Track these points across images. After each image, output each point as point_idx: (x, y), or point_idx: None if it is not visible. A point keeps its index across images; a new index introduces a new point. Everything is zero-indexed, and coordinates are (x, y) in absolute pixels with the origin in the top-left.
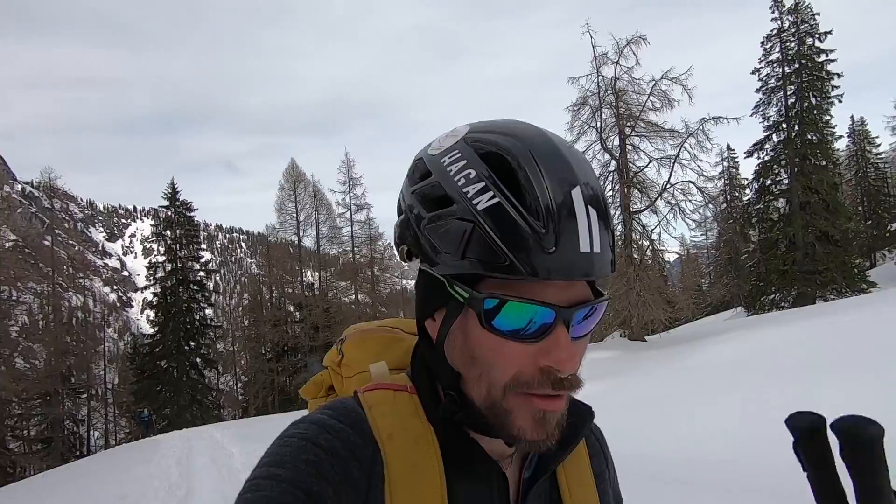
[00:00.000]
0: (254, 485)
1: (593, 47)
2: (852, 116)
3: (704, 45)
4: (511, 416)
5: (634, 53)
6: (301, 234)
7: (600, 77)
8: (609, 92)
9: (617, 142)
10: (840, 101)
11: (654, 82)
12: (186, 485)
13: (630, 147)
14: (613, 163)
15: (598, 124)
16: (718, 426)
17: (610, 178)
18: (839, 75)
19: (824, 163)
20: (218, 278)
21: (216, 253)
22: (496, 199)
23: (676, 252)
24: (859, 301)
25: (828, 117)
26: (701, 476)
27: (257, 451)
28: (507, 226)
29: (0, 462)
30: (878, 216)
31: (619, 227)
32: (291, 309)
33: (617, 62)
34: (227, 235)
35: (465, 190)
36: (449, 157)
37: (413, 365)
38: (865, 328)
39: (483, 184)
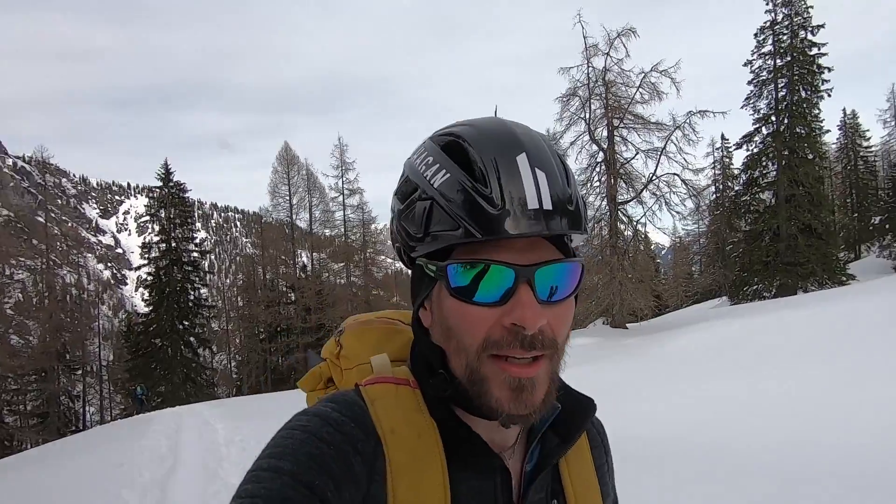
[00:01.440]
0: (255, 476)
1: (584, 38)
2: (844, 109)
3: (700, 32)
4: (488, 384)
5: (624, 45)
6: (294, 216)
7: (590, 68)
8: (599, 83)
9: (605, 133)
10: (829, 96)
11: (643, 74)
12: (174, 456)
13: (618, 139)
14: (601, 154)
15: (587, 115)
16: (684, 408)
17: (597, 169)
18: (830, 69)
19: (811, 156)
20: (213, 257)
21: (211, 232)
22: (447, 175)
23: (662, 243)
24: (832, 294)
25: (817, 111)
26: (664, 453)
27: (239, 427)
28: (458, 195)
29: None
30: (864, 209)
31: (605, 217)
32: (285, 290)
33: (607, 54)
34: (223, 214)
35: (425, 174)
36: (416, 155)
37: (412, 358)
38: (829, 320)
39: (438, 164)
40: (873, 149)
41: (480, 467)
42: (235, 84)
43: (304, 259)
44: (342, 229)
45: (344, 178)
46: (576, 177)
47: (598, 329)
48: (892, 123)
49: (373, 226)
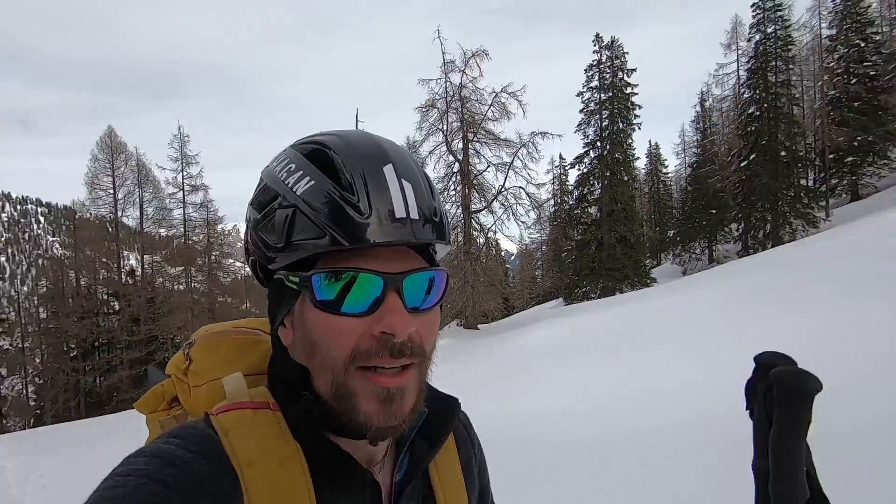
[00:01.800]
0: None
1: (443, 54)
2: (650, 141)
3: (546, 62)
4: (356, 400)
5: (479, 65)
6: (120, 213)
7: (448, 83)
8: (455, 98)
9: (461, 145)
10: (640, 129)
11: (494, 94)
12: None
13: (472, 151)
14: (457, 164)
15: (445, 127)
16: (529, 399)
17: (453, 179)
18: (640, 106)
19: (626, 178)
20: (3, 259)
21: (2, 228)
22: (312, 182)
23: (510, 250)
24: (641, 294)
25: (631, 140)
26: (512, 443)
27: (38, 462)
28: (324, 203)
29: None
30: (663, 224)
31: (460, 224)
32: (106, 298)
33: (463, 71)
34: (19, 207)
35: (286, 181)
36: (276, 163)
37: (271, 379)
38: (642, 315)
39: (301, 172)
40: (670, 175)
41: (350, 487)
42: (44, 51)
43: (133, 262)
44: (182, 229)
45: (185, 173)
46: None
47: (452, 330)
48: (683, 155)
49: (220, 226)
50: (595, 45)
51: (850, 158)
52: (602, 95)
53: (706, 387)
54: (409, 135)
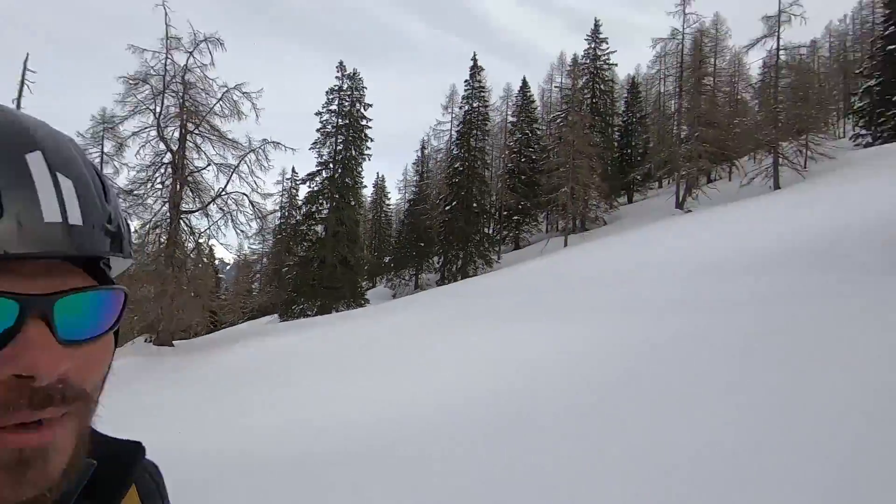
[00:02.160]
0: None
1: (167, 26)
2: (378, 173)
3: (291, 73)
4: None
5: (210, 52)
6: None
7: (170, 61)
8: (177, 80)
9: (177, 135)
10: (370, 160)
11: (226, 89)
12: None
13: (191, 144)
14: (169, 155)
15: (159, 110)
16: (223, 425)
17: (162, 171)
18: (372, 139)
19: (353, 203)
20: None
21: None
22: None
23: (223, 259)
24: (357, 312)
25: (361, 169)
26: (212, 470)
27: None
28: None
29: None
30: (381, 250)
31: (165, 222)
32: None
33: (191, 53)
34: None
35: None
36: None
37: None
38: (350, 335)
39: None
40: (392, 206)
41: None
42: None
43: None
44: None
45: None
46: (136, 174)
47: (137, 347)
48: (404, 192)
49: None
50: (338, 72)
51: (516, 217)
52: (339, 121)
53: (430, 394)
54: (107, 106)
